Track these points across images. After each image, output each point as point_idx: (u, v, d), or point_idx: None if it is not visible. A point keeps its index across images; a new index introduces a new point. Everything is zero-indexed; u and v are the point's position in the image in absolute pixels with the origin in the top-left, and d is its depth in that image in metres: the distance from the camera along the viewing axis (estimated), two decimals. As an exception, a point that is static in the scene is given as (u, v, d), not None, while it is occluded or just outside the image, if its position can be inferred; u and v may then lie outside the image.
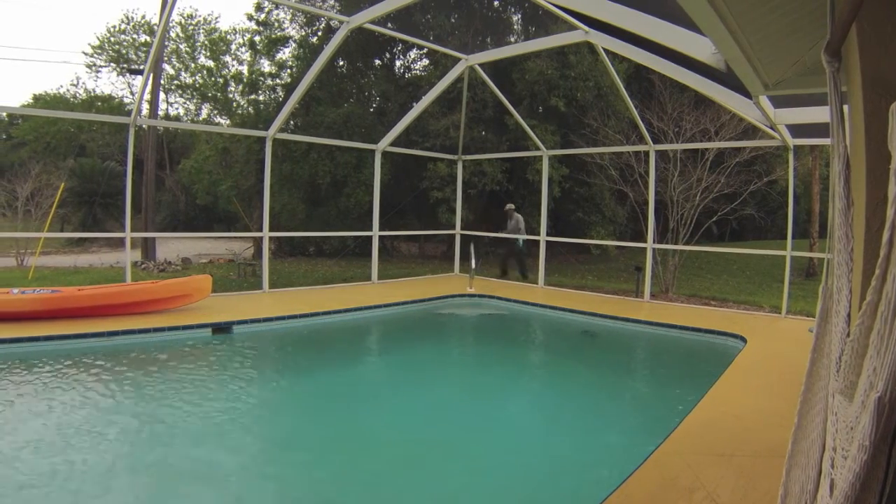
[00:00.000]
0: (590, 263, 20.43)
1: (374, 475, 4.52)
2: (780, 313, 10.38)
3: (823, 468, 1.65)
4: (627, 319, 9.82)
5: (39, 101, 36.72)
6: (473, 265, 12.19)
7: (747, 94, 6.34)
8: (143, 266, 19.03)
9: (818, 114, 7.48)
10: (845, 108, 1.98)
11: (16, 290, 8.12)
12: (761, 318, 10.32)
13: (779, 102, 7.60)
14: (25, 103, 37.15)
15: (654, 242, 11.89)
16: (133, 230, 10.11)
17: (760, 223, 20.44)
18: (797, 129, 9.12)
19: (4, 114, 40.45)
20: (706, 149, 13.53)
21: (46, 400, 5.51)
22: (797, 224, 12.63)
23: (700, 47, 6.05)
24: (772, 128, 8.88)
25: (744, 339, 8.17)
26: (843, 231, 1.66)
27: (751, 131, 13.05)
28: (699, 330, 9.01)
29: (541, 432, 5.64)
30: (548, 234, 13.68)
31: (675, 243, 13.55)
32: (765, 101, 7.03)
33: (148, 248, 22.28)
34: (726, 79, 7.00)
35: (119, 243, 25.50)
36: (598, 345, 9.26)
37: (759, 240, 27.87)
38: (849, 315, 1.64)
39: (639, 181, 14.06)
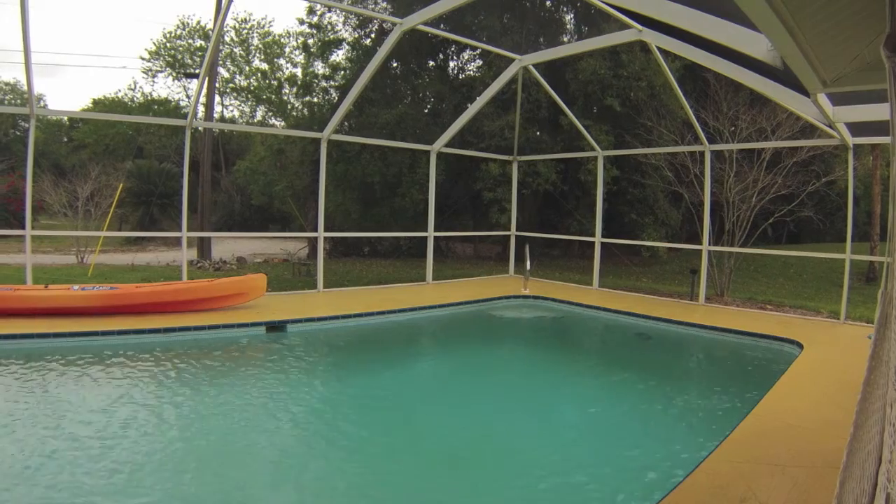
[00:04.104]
0: (644, 265, 20.15)
1: (421, 475, 4.53)
2: (838, 319, 10.06)
3: (879, 481, 1.58)
4: (682, 323, 9.64)
5: (99, 105, 38.02)
6: (528, 266, 12.11)
7: (804, 92, 6.15)
8: (198, 265, 19.47)
9: (879, 111, 7.20)
10: (906, 105, 1.89)
11: (76, 287, 8.37)
12: (819, 323, 10.02)
13: (837, 100, 7.34)
14: (85, 107, 38.51)
15: (709, 244, 11.65)
16: (189, 230, 10.38)
17: (818, 225, 19.79)
18: (857, 128, 8.81)
19: (66, 118, 41.97)
20: (762, 148, 13.20)
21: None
22: (857, 226, 12.22)
23: (755, 44, 5.89)
24: (830, 126, 8.61)
25: (800, 345, 7.93)
26: (904, 234, 1.59)
27: (808, 130, 12.71)
28: (754, 335, 8.78)
29: (593, 436, 5.56)
30: (602, 236, 13.53)
31: (731, 245, 13.27)
32: (823, 98, 6.81)
33: (204, 247, 22.77)
34: (783, 76, 6.81)
35: (175, 242, 26.17)
36: (652, 348, 9.11)
37: (817, 242, 27.04)
38: (909, 321, 1.57)
39: (694, 182, 13.79)
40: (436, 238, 14.26)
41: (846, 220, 9.98)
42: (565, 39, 22.32)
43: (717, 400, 6.55)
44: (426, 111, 22.79)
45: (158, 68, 37.22)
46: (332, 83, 24.26)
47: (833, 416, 5.09)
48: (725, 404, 6.26)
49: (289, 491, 4.14)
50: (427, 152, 13.61)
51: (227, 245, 27.52)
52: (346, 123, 20.79)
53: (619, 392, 6.98)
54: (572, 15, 22.87)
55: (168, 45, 36.81)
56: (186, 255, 10.39)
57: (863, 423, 1.92)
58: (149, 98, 38.24)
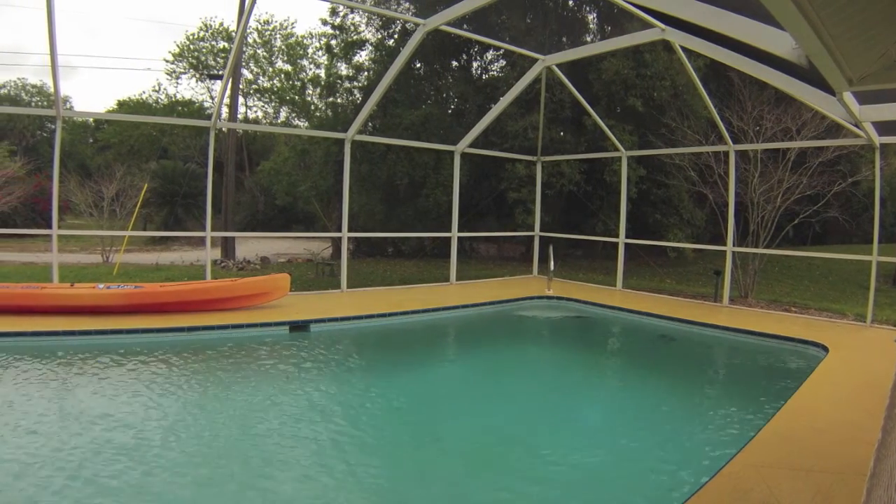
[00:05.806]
0: (668, 266, 19.96)
1: (445, 473, 4.53)
2: (864, 322, 9.90)
3: (906, 489, 1.55)
4: (705, 324, 9.56)
5: (123, 106, 38.52)
6: (552, 267, 12.05)
7: (830, 91, 6.06)
8: (222, 264, 19.63)
9: (908, 110, 7.09)
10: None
11: (101, 286, 8.49)
12: (845, 326, 9.88)
13: (864, 98, 7.23)
14: (110, 109, 39.04)
15: (733, 245, 11.53)
16: (213, 230, 10.45)
17: (844, 226, 19.46)
18: (884, 127, 8.66)
19: (91, 119, 42.54)
20: (787, 148, 13.01)
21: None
22: (884, 227, 12.02)
23: (780, 43, 5.81)
24: (857, 125, 8.48)
25: (825, 349, 7.82)
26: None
27: (834, 129, 12.51)
28: (779, 337, 8.68)
29: (615, 437, 5.52)
30: (627, 237, 13.43)
31: (756, 246, 13.11)
32: (849, 97, 6.70)
33: (228, 247, 22.93)
34: (808, 75, 6.71)
35: (199, 242, 26.41)
36: (675, 350, 9.03)
37: (843, 244, 26.60)
38: (936, 325, 1.53)
39: (718, 182, 13.64)
40: (459, 238, 14.26)
41: (873, 221, 9.82)
42: (588, 39, 22.19)
43: (740, 403, 6.48)
44: (450, 112, 22.76)
45: (182, 70, 37.59)
46: (355, 84, 24.29)
47: (859, 421, 5.01)
48: (748, 407, 6.19)
49: (315, 486, 4.16)
50: (451, 153, 13.62)
51: (251, 245, 27.72)
52: (370, 124, 20.81)
53: (640, 394, 6.94)
54: (595, 14, 22.73)
55: (191, 46, 37.14)
56: (210, 254, 10.48)
57: (891, 428, 1.89)
58: (173, 99, 38.65)
